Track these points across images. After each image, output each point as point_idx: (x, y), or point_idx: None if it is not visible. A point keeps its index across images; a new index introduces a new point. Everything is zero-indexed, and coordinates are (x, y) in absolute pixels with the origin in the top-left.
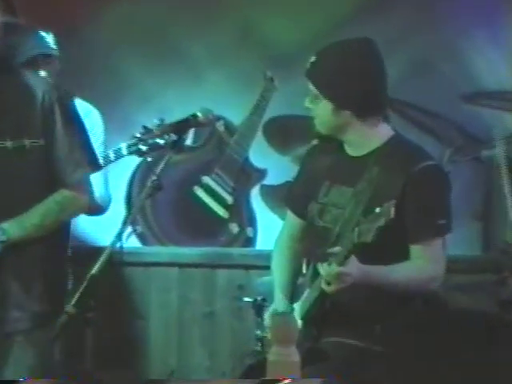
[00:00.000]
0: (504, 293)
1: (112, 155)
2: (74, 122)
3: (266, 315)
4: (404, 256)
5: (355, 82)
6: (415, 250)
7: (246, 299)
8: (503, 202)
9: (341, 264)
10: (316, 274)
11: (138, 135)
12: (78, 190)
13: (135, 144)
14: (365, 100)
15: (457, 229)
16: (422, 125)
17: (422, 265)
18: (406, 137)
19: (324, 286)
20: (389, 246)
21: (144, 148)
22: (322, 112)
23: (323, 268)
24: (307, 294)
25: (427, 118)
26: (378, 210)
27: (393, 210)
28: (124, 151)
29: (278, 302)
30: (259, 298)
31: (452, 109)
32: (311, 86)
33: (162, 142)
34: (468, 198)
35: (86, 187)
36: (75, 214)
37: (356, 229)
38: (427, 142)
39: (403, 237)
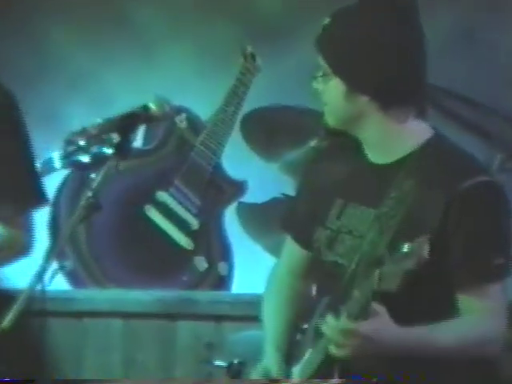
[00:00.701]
0: None
1: (39, 168)
2: None
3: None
4: (447, 310)
5: (379, 56)
6: (464, 301)
7: (218, 363)
8: None
9: (354, 317)
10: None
11: (80, 141)
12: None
13: (73, 153)
14: (389, 83)
15: None
16: (464, 120)
17: (474, 321)
18: (451, 139)
19: (332, 348)
20: (424, 297)
21: (85, 159)
22: (332, 95)
23: (327, 321)
24: (310, 356)
25: (471, 111)
26: (406, 247)
27: (427, 249)
28: (57, 163)
29: (271, 363)
30: (235, 361)
31: (505, 97)
32: (321, 59)
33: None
34: None
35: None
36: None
37: (377, 270)
38: (470, 143)
39: (445, 283)
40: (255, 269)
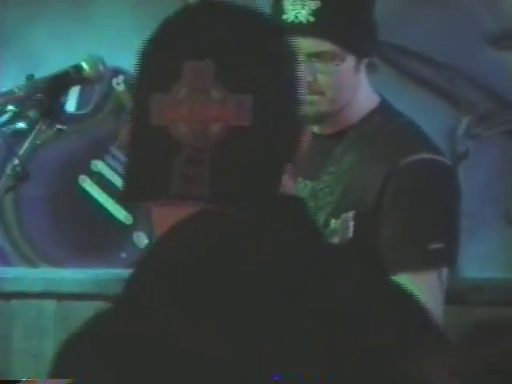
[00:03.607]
0: None
1: None
2: None
3: None
4: None
5: (368, 17)
6: (401, 279)
7: None
8: None
9: None
10: None
11: (9, 106)
12: None
13: (10, 121)
14: (366, 38)
15: (484, 238)
16: (427, 81)
17: None
18: (398, 110)
19: None
20: None
21: (23, 125)
22: (346, 76)
23: None
24: None
25: (434, 71)
26: (332, 223)
27: (351, 226)
28: None
29: None
30: None
31: (471, 57)
32: (323, 45)
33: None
34: (497, 191)
35: None
36: None
37: None
38: (435, 105)
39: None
40: None
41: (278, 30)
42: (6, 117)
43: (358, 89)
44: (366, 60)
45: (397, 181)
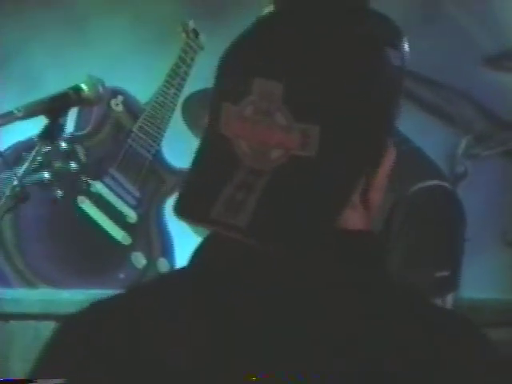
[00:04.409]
0: None
1: None
2: None
3: None
4: None
5: None
6: None
7: None
8: None
9: None
10: None
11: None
12: None
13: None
14: None
15: (481, 258)
16: (425, 101)
17: None
18: (401, 132)
19: None
20: None
21: (47, 176)
22: None
23: None
24: None
25: (432, 91)
26: None
27: None
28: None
29: None
30: None
31: (470, 77)
32: None
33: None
34: (495, 211)
35: None
36: None
37: None
38: (433, 126)
39: None
40: None
41: (375, 46)
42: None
43: None
44: None
45: (404, 209)
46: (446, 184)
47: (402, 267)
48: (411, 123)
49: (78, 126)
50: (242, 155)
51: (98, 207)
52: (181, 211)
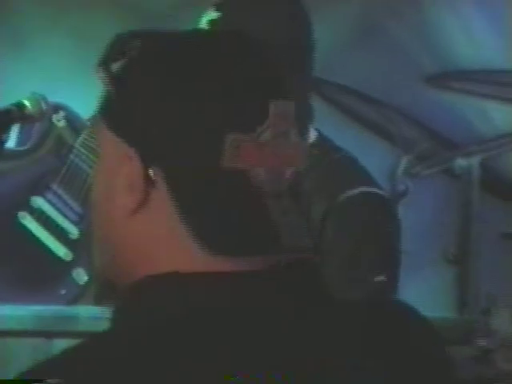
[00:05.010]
0: (486, 373)
1: None
2: None
3: None
4: None
5: None
6: None
7: None
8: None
9: None
10: None
11: None
12: None
13: None
14: None
15: (423, 276)
16: (366, 119)
17: None
18: (334, 142)
19: None
20: None
21: None
22: None
23: None
24: None
25: (374, 110)
26: None
27: None
28: None
29: None
30: None
31: (410, 96)
32: None
33: None
34: (436, 231)
35: None
36: None
37: None
38: (374, 144)
39: None
40: None
41: None
42: None
43: None
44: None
45: (335, 218)
46: (376, 190)
47: (337, 274)
48: (352, 141)
49: (19, 141)
50: (261, 183)
51: (39, 223)
52: (236, 252)
